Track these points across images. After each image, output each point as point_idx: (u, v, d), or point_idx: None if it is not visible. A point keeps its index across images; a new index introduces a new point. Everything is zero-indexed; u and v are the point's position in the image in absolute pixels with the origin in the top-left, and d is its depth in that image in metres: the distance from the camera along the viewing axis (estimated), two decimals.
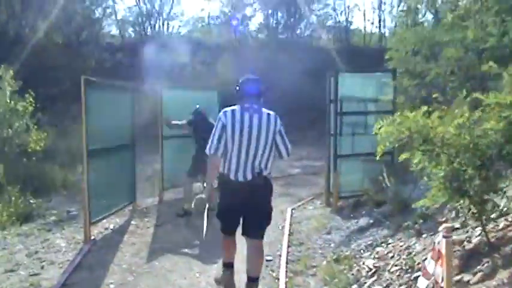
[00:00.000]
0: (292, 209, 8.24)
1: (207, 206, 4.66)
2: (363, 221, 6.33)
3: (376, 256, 4.95)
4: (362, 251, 5.43)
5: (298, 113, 20.18)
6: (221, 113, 4.32)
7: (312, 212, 7.98)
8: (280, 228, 7.11)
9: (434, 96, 4.84)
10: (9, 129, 10.45)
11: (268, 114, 4.32)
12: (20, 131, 10.59)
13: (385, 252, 4.91)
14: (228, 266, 4.64)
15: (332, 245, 6.04)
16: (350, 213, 7.43)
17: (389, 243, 5.12)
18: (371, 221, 6.16)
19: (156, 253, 6.08)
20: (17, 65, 15.38)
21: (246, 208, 4.34)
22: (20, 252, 6.31)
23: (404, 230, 5.14)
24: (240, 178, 4.25)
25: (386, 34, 28.90)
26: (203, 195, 4.83)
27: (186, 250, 6.21)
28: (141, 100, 11.14)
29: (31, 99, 10.86)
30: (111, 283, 5.17)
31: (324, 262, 5.45)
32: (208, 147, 4.29)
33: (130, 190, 8.31)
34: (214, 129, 4.30)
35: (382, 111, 8.21)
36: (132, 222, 7.64)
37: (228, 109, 4.33)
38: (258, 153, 4.23)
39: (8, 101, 10.54)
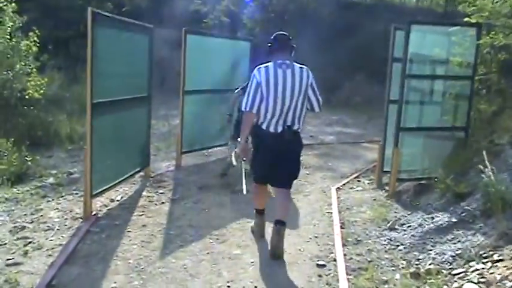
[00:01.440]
0: (337, 189, 6.83)
1: (243, 159, 4.80)
2: (441, 218, 4.87)
3: (481, 279, 3.54)
4: (449, 264, 4.03)
5: (324, 72, 18.60)
6: (255, 70, 4.45)
7: (361, 195, 6.55)
8: (327, 215, 5.71)
9: None
10: (9, 71, 8.99)
11: (301, 68, 4.46)
12: (21, 74, 9.14)
13: (496, 275, 3.49)
14: (260, 213, 4.85)
15: (401, 248, 4.64)
16: (411, 200, 6.01)
17: (497, 261, 3.69)
18: (453, 220, 4.71)
19: (172, 243, 4.72)
20: (29, 4, 13.87)
21: (278, 160, 4.46)
22: (3, 227, 5.02)
23: None
24: (275, 130, 4.41)
25: None
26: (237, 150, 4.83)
27: (212, 242, 4.82)
28: (160, 46, 9.70)
29: (35, 39, 9.37)
30: None
31: (398, 276, 4.05)
32: (244, 104, 4.45)
33: (143, 153, 6.92)
34: (249, 87, 4.44)
35: (458, 76, 6.69)
36: (144, 193, 6.28)
37: (262, 66, 4.44)
38: (292, 106, 4.38)
39: (9, 38, 9.05)
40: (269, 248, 4.49)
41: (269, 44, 4.59)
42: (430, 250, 4.40)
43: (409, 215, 5.46)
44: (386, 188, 6.70)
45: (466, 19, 6.56)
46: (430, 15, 23.09)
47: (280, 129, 4.40)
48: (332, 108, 15.19)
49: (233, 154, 5.01)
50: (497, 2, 6.25)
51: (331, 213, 5.75)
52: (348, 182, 7.25)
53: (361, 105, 17.39)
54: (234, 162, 5.03)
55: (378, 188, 6.85)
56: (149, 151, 7.14)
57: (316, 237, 5.00)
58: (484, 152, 4.76)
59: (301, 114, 4.47)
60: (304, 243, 4.83)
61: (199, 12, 20.45)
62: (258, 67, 4.45)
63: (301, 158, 4.69)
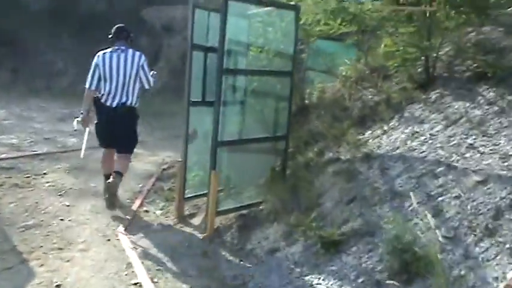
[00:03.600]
0: (125, 230, 4.70)
1: (88, 128, 5.53)
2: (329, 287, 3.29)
3: None
4: None
5: (39, 55, 15.79)
6: (96, 56, 5.29)
7: (165, 239, 4.55)
8: None
9: None
10: None
11: (134, 52, 5.30)
12: None
13: None
14: (108, 177, 5.27)
15: None
16: (240, 243, 4.36)
17: None
18: None
19: None
20: None
21: (114, 129, 5.31)
22: None
23: None
24: (108, 103, 5.23)
25: None
26: None
27: None
28: None
29: None
30: None
31: None
32: (87, 83, 5.28)
33: None
34: (91, 69, 5.28)
35: (278, 71, 5.24)
36: None
37: (101, 51, 5.31)
38: (125, 84, 5.20)
39: None
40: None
41: (109, 36, 5.39)
42: None
43: (257, 273, 3.78)
44: (192, 222, 4.92)
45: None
46: None
47: (115, 104, 5.20)
48: (58, 98, 12.67)
49: (75, 122, 5.50)
50: None
51: (139, 285, 3.66)
52: (134, 217, 5.15)
53: None
54: (76, 127, 5.53)
55: (180, 222, 4.98)
56: None
57: None
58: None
59: (134, 90, 5.27)
60: None
61: None
62: (98, 53, 5.28)
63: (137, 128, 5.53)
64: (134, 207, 5.37)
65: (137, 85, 5.25)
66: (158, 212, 5.32)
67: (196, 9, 4.95)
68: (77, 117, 5.44)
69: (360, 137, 4.72)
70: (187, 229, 4.80)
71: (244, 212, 4.80)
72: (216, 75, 4.45)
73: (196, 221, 4.91)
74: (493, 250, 2.93)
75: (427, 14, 4.69)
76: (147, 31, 19.48)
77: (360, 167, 4.27)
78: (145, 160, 7.54)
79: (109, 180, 5.11)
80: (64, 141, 8.54)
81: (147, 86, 5.36)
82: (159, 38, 19.82)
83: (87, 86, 5.24)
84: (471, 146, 3.78)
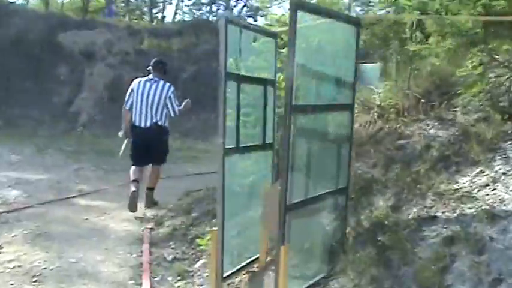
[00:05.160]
0: None
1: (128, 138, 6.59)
2: None
3: None
4: None
5: None
6: (133, 81, 6.40)
7: None
8: None
9: None
10: None
11: (164, 83, 6.28)
12: None
13: None
14: (134, 181, 6.10)
15: None
16: None
17: None
18: None
19: None
20: None
21: (147, 146, 6.24)
22: None
23: None
24: (142, 125, 6.19)
25: None
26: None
27: None
28: None
29: None
30: None
31: None
32: (124, 103, 6.40)
33: None
34: (128, 92, 6.35)
35: (339, 105, 4.03)
36: None
37: (137, 79, 6.39)
38: (153, 108, 6.15)
39: None
40: None
41: (147, 67, 6.50)
42: None
43: None
44: None
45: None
46: (68, 21, 20.08)
47: (146, 124, 6.17)
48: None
49: (120, 133, 6.66)
50: None
51: None
52: None
53: (7, 130, 13.20)
54: (120, 136, 6.69)
55: None
56: None
57: None
58: None
59: (162, 114, 6.22)
60: None
61: None
62: (135, 80, 6.40)
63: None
64: None
65: (165, 111, 6.21)
66: None
67: (230, 26, 3.71)
68: (120, 131, 6.62)
69: (455, 186, 3.66)
70: None
71: None
72: (280, 115, 3.24)
73: None
74: None
75: None
76: (65, 58, 17.65)
77: (484, 231, 3.19)
78: (119, 216, 6.05)
79: (133, 189, 5.96)
80: (4, 195, 6.81)
81: (172, 114, 6.31)
82: (79, 66, 18.07)
83: (124, 106, 6.37)
84: None
